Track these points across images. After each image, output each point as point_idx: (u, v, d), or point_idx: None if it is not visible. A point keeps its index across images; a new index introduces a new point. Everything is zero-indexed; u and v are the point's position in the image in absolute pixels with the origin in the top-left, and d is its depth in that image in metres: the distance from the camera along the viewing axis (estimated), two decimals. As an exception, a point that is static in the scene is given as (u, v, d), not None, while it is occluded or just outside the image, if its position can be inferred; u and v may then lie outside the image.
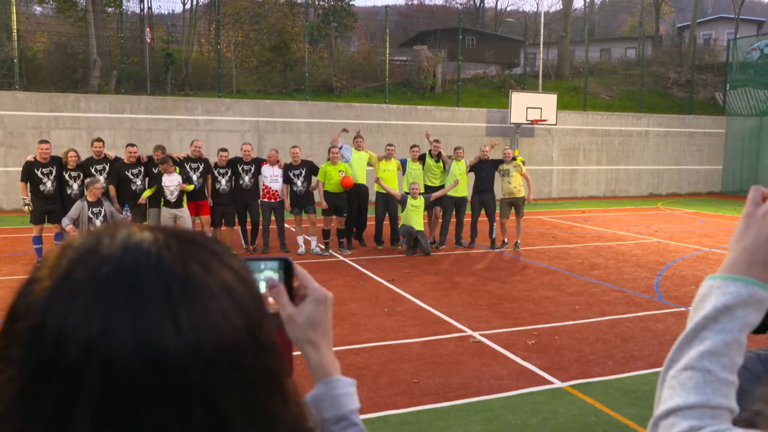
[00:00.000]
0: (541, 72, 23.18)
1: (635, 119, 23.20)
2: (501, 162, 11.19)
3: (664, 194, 23.57)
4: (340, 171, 10.59)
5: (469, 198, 11.41)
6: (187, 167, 10.04)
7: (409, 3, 52.09)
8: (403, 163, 11.33)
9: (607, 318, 6.96)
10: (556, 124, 20.71)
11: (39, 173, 9.28)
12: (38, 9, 29.77)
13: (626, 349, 5.91)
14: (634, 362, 5.56)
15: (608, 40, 41.21)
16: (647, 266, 9.88)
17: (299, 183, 10.53)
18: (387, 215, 11.21)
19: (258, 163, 10.60)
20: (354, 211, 11.03)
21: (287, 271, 0.80)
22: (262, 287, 0.77)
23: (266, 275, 0.79)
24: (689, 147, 24.09)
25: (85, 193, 9.25)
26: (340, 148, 10.93)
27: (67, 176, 9.48)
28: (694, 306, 0.82)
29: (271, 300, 0.78)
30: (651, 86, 26.39)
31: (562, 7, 33.57)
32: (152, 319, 0.42)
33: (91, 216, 9.11)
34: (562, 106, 21.38)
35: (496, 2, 69.08)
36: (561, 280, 8.89)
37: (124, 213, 9.40)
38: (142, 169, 9.90)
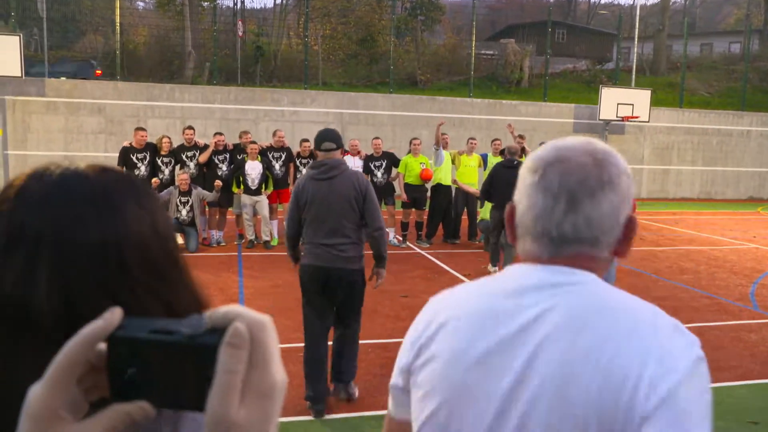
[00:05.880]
0: (634, 67, 22.23)
1: (736, 118, 21.83)
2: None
3: (765, 198, 22.09)
4: (420, 163, 10.54)
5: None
6: (270, 156, 10.29)
7: (499, -4, 51.16)
8: (484, 158, 11.13)
9: (695, 325, 6.58)
10: (648, 122, 19.79)
11: (134, 158, 9.76)
12: (140, 4, 31.40)
13: (713, 359, 5.56)
14: (721, 373, 5.23)
15: (710, 34, 39.03)
16: (742, 273, 9.28)
17: (379, 174, 10.56)
18: (466, 211, 11.06)
19: (339, 153, 10.71)
20: (440, 212, 10.86)
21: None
22: None
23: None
24: (796, 148, 22.44)
25: (176, 181, 9.68)
26: (437, 149, 10.81)
27: (159, 162, 9.93)
28: None
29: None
30: (756, 83, 24.77)
31: (660, -1, 32.07)
32: (79, 214, 0.64)
33: (179, 204, 9.52)
34: (656, 102, 20.40)
35: (590, -5, 66.72)
36: (647, 282, 8.50)
37: (214, 192, 9.70)
38: (228, 156, 10.23)
